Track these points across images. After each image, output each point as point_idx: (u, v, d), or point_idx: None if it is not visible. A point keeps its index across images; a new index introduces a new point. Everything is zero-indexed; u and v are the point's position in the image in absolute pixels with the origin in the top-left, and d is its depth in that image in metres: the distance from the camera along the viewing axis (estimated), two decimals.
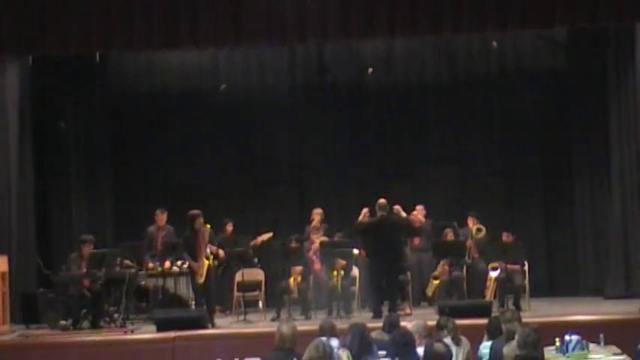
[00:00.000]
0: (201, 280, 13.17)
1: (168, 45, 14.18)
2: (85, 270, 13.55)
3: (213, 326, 13.06)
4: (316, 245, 14.43)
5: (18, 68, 15.30)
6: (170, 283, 14.28)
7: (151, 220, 14.94)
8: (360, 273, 14.58)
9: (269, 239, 15.27)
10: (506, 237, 14.42)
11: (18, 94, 15.26)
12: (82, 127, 16.64)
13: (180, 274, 14.18)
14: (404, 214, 14.10)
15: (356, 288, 14.46)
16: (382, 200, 14.02)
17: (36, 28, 13.70)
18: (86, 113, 16.66)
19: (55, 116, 16.44)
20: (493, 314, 11.26)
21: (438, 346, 7.58)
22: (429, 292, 14.94)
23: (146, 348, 12.26)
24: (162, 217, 14.84)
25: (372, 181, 16.99)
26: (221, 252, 14.25)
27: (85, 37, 13.71)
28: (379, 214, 13.92)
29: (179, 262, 14.17)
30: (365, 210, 14.19)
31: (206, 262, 13.19)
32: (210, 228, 13.56)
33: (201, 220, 13.28)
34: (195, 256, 13.22)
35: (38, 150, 16.00)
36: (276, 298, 14.38)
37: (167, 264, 14.34)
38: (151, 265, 14.54)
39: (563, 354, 8.63)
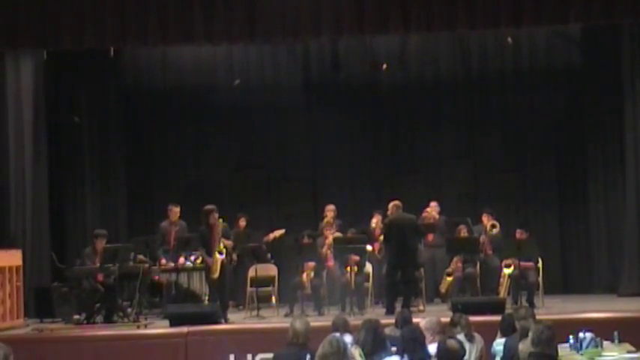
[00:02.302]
0: (216, 275, 13.17)
1: (182, 40, 14.20)
2: (98, 264, 13.59)
3: (226, 321, 13.07)
4: (329, 241, 14.42)
5: (32, 63, 15.35)
6: (183, 278, 14.29)
7: (165, 215, 14.95)
8: (373, 269, 14.58)
9: (281, 236, 15.30)
10: (519, 234, 14.38)
11: (32, 89, 15.31)
12: (96, 122, 16.68)
13: (194, 269, 14.20)
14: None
15: (369, 284, 14.45)
16: (397, 201, 14.07)
17: (50, 23, 13.71)
18: (100, 108, 16.69)
19: (69, 111, 16.49)
20: (507, 311, 11.23)
21: (452, 342, 7.58)
22: (443, 288, 14.92)
23: (159, 343, 12.27)
24: (175, 212, 14.85)
25: (386, 178, 17.00)
26: (233, 257, 14.34)
27: (100, 32, 13.72)
28: (395, 213, 13.93)
29: (192, 257, 14.18)
30: (376, 219, 14.35)
31: (219, 258, 13.18)
32: (224, 223, 13.57)
33: (216, 215, 13.27)
34: (209, 251, 13.23)
35: (52, 145, 16.04)
36: (289, 293, 14.39)
37: (181, 259, 14.36)
38: (164, 261, 14.55)
39: (577, 351, 8.61)
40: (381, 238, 14.44)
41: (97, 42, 13.90)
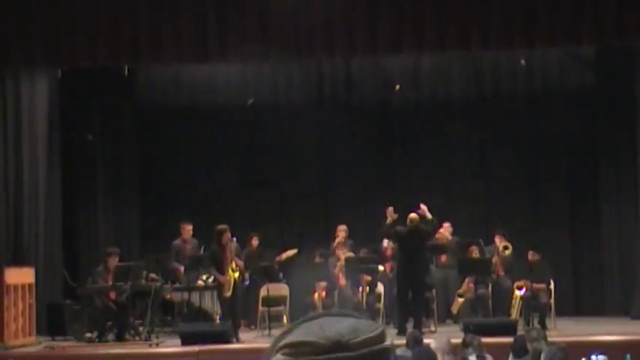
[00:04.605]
0: (228, 293, 13.17)
1: (196, 59, 14.26)
2: (110, 282, 13.60)
3: (238, 341, 13.06)
4: (342, 261, 14.43)
5: (47, 81, 15.41)
6: (195, 297, 14.30)
7: (177, 233, 14.97)
8: (384, 289, 14.56)
9: (294, 255, 15.30)
10: (532, 255, 14.36)
11: (47, 106, 15.36)
12: (110, 139, 16.74)
13: (206, 287, 14.20)
14: (429, 215, 14.01)
15: (380, 304, 14.44)
16: (413, 215, 13.92)
17: (65, 41, 13.79)
18: (114, 126, 16.76)
19: (83, 129, 16.54)
20: (519, 332, 11.22)
21: None
22: (454, 309, 14.89)
23: None
24: (187, 230, 14.88)
25: (398, 197, 16.94)
26: (245, 276, 14.37)
27: (114, 50, 13.79)
28: (410, 226, 13.84)
29: (204, 276, 14.19)
30: (390, 209, 14.07)
31: (233, 274, 13.18)
32: (237, 242, 13.58)
33: (229, 234, 13.29)
34: (222, 270, 13.23)
35: (66, 162, 16.09)
36: (300, 313, 14.36)
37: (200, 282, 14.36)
38: (182, 269, 14.54)
39: None
40: (392, 257, 14.36)
41: (112, 60, 13.97)
